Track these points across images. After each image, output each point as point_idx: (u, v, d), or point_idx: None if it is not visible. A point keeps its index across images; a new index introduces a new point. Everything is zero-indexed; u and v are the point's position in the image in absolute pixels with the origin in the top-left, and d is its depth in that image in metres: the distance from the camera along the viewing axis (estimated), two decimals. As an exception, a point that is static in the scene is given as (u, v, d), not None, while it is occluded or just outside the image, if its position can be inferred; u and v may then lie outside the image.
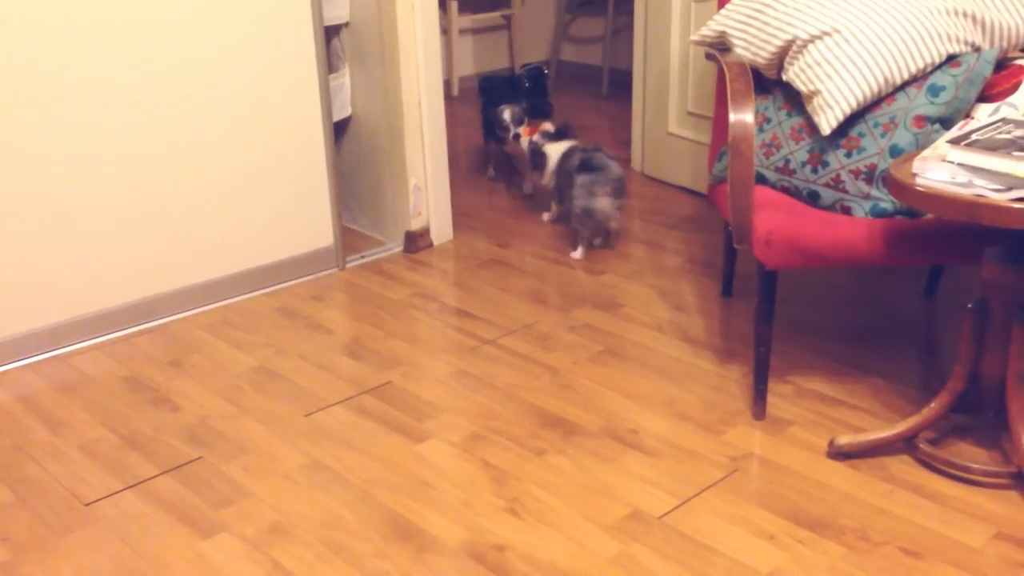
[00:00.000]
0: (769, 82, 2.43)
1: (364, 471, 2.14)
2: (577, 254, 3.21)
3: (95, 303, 2.71)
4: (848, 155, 2.22)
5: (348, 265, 3.20)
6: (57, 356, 2.65)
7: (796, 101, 2.34)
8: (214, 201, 2.86)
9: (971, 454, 2.12)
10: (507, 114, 3.59)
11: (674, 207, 3.65)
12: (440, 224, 3.35)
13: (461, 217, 3.53)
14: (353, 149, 3.39)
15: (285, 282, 3.07)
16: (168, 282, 2.83)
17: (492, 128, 3.78)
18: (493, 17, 5.54)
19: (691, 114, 3.70)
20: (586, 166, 3.14)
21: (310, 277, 3.11)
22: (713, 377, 2.49)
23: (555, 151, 3.34)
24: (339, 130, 3.35)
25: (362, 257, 3.25)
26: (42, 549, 1.90)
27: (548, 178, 3.40)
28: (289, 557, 1.87)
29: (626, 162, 4.10)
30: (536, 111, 4.92)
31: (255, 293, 3.01)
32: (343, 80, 3.26)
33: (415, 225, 3.29)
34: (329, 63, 3.11)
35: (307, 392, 2.46)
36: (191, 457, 2.19)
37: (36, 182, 2.54)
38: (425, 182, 3.27)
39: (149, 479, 2.12)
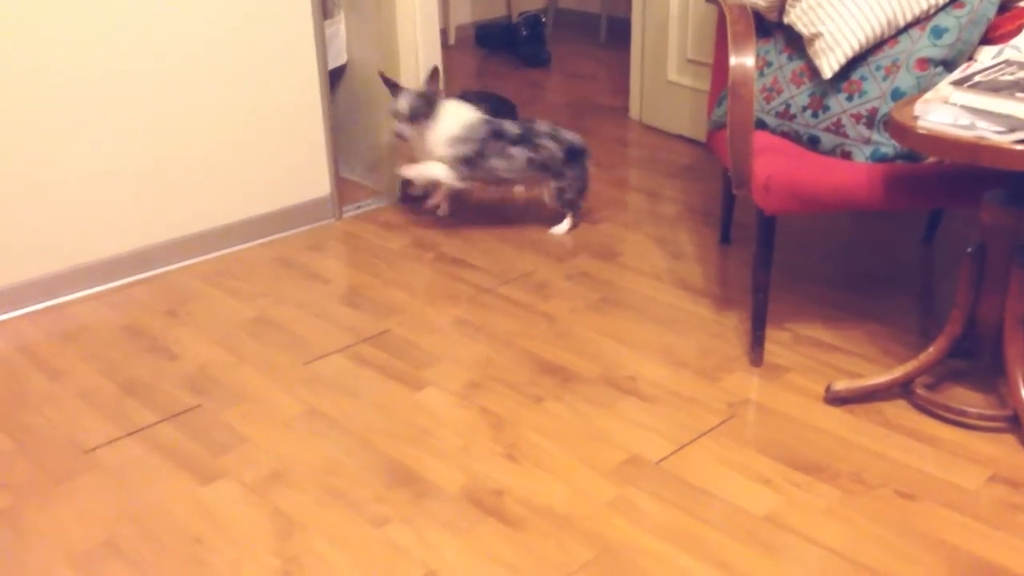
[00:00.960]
0: (770, 25, 2.40)
1: (363, 418, 2.14)
2: (563, 228, 3.03)
3: (92, 253, 2.70)
4: (849, 99, 2.20)
5: (345, 215, 3.18)
6: (54, 306, 2.65)
7: (797, 44, 2.31)
8: (209, 150, 2.84)
9: (967, 398, 2.12)
10: (404, 102, 2.86)
11: (672, 156, 3.63)
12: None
13: (458, 166, 3.50)
14: (349, 97, 3.36)
15: (282, 232, 3.06)
16: (165, 232, 2.82)
17: None
18: (490, -36, 5.46)
19: (691, 61, 3.66)
20: (554, 138, 2.93)
21: (307, 227, 3.10)
22: (711, 324, 2.49)
23: (457, 115, 2.91)
24: (335, 78, 3.31)
25: (359, 207, 3.24)
26: (43, 495, 1.92)
27: (441, 147, 2.89)
28: (289, 503, 1.88)
29: (624, 110, 4.07)
30: (534, 60, 4.88)
31: (252, 243, 3.00)
32: (339, 27, 3.21)
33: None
34: (324, 9, 3.06)
35: (305, 341, 2.46)
36: (190, 405, 2.20)
37: (32, 132, 2.51)
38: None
39: (149, 426, 2.12)
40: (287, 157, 3.01)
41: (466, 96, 3.26)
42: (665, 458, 1.99)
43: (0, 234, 2.53)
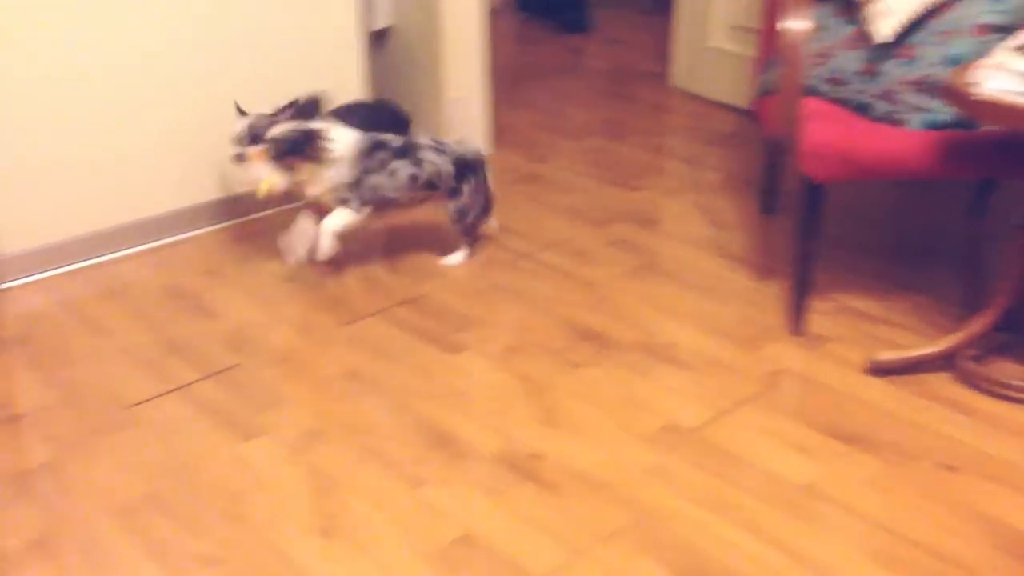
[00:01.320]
0: (821, -12, 2.35)
1: (401, 381, 2.15)
2: (457, 258, 2.64)
3: (135, 212, 2.72)
4: (904, 65, 2.15)
5: (384, 178, 3.18)
6: (98, 264, 2.67)
7: (852, 8, 2.26)
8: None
9: (1012, 371, 2.08)
10: (243, 123, 2.51)
11: (714, 123, 3.58)
12: (478, 138, 3.31)
13: (500, 131, 3.48)
14: (392, 60, 3.34)
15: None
16: (206, 193, 2.83)
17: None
18: (532, -72, 5.39)
19: (736, 27, 3.61)
20: (439, 151, 2.53)
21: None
22: (751, 293, 2.46)
23: (347, 141, 2.46)
24: (379, 39, 3.29)
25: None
26: (86, 449, 1.94)
27: (327, 187, 2.46)
28: (327, 461, 1.90)
29: (666, 77, 4.01)
30: (575, 25, 4.83)
31: (291, 205, 3.00)
32: (381, -13, 3.19)
33: (454, 138, 3.25)
34: (365, -29, 3.05)
35: (343, 302, 2.46)
36: (230, 364, 2.21)
37: (73, 92, 2.53)
38: (464, 95, 3.22)
39: (189, 384, 2.14)
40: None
41: (341, 112, 2.70)
42: (703, 426, 1.98)
43: (45, 192, 2.56)
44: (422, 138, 2.56)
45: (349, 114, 2.67)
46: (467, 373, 2.17)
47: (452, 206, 2.56)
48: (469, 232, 2.64)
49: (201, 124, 2.76)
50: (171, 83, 2.68)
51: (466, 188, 2.55)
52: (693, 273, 2.57)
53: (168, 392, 2.11)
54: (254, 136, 2.48)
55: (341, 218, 2.48)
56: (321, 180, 2.45)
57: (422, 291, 2.51)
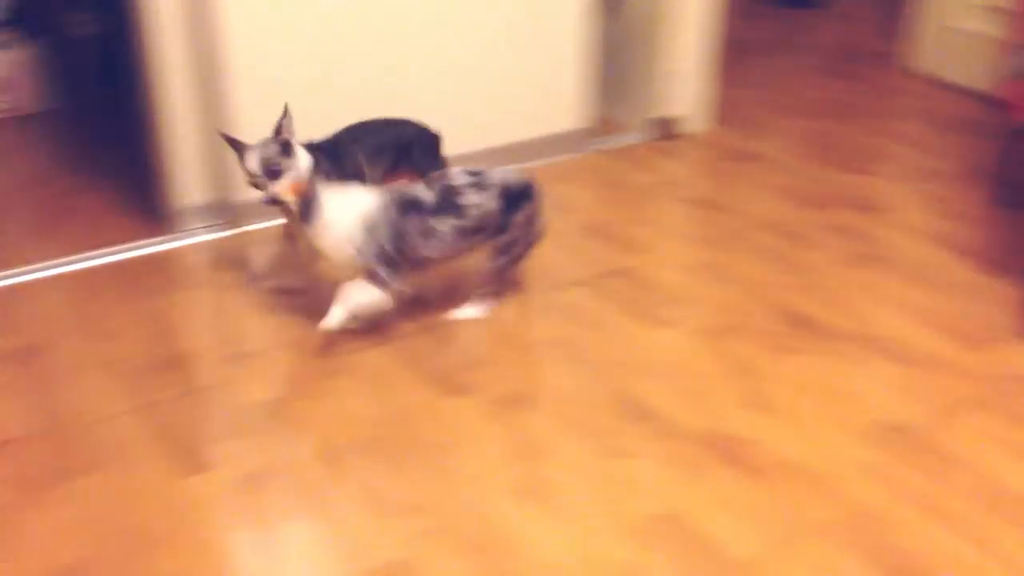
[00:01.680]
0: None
1: (603, 351, 2.15)
2: (472, 311, 2.29)
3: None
4: None
5: (597, 148, 3.17)
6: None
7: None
8: (466, 75, 2.88)
9: None
10: (253, 159, 2.15)
11: (950, 107, 3.36)
12: (698, 113, 3.24)
13: (721, 107, 3.39)
14: (615, 28, 3.30)
15: (531, 161, 3.07)
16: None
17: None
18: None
19: (985, 6, 3.36)
20: (480, 186, 2.15)
21: (558, 158, 3.11)
22: (980, 289, 2.31)
23: (349, 203, 2.10)
24: (615, 7, 3.25)
25: (612, 141, 3.21)
26: (305, 391, 2.05)
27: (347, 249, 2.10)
28: (529, 425, 1.92)
29: (897, 57, 3.79)
30: (805, 0, 4.63)
31: (504, 171, 3.04)
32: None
33: (671, 112, 3.19)
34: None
35: (549, 270, 2.48)
36: (441, 321, 2.27)
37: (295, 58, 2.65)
38: (688, 68, 3.15)
39: (403, 337, 2.21)
40: (544, 87, 3.00)
41: (350, 134, 2.40)
42: (923, 425, 1.87)
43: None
44: (456, 178, 2.17)
45: (362, 135, 2.40)
46: (673, 349, 2.15)
47: (499, 241, 2.21)
48: (505, 272, 2.28)
49: (411, 84, 2.83)
50: (390, 45, 2.75)
51: (516, 220, 2.20)
52: (916, 264, 2.43)
53: (382, 343, 2.19)
54: (272, 170, 2.15)
55: (365, 294, 2.13)
56: (333, 253, 2.14)
57: (631, 263, 2.49)
